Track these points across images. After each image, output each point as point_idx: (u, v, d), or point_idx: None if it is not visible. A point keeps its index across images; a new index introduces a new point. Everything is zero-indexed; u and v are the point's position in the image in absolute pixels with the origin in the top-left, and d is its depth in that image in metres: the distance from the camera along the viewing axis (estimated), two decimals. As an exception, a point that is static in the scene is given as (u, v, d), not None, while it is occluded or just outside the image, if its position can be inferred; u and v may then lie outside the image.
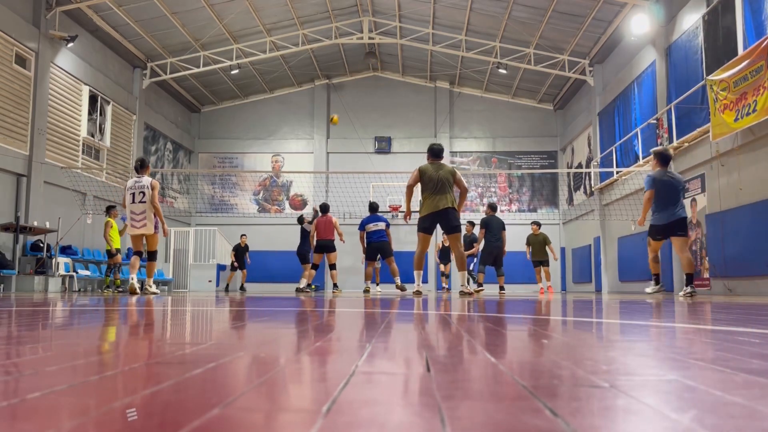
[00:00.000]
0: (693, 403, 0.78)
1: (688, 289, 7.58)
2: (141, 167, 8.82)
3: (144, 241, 8.75)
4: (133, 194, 8.66)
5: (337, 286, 12.87)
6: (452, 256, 10.86)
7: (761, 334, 1.88)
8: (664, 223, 7.73)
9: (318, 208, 13.21)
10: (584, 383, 0.93)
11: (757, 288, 10.58)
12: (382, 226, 11.90)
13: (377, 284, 13.57)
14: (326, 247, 12.50)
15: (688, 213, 13.27)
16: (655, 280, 8.25)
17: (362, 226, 11.98)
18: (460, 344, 1.62)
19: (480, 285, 12.05)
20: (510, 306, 4.45)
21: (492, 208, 12.38)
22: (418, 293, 8.28)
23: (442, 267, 15.92)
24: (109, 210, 13.02)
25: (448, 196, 7.87)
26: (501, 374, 1.03)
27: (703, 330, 2.17)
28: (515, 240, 21.26)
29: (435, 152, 8.17)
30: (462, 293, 8.09)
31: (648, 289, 8.40)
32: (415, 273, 8.32)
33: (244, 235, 17.49)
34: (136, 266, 8.91)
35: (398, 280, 11.28)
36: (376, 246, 11.82)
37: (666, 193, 7.71)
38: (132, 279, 8.73)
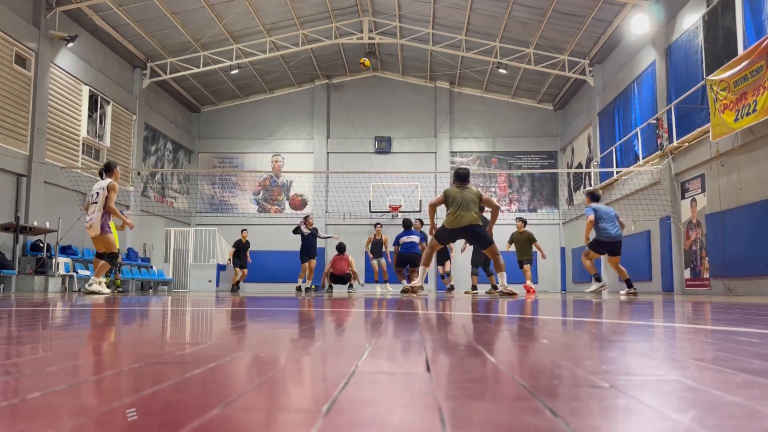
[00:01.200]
0: (693, 403, 0.78)
1: (632, 290, 9.77)
2: (106, 171, 8.84)
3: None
4: (91, 196, 8.76)
5: (352, 287, 14.11)
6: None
7: (761, 334, 1.88)
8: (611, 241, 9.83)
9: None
10: (584, 383, 0.93)
11: (757, 288, 10.58)
12: (415, 238, 12.95)
13: (386, 282, 14.37)
14: (341, 279, 13.98)
15: (687, 213, 13.30)
16: (596, 277, 10.03)
17: (396, 241, 13.19)
18: (460, 344, 1.62)
19: (474, 287, 12.12)
20: (510, 306, 4.45)
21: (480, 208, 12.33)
22: (413, 289, 8.31)
23: (440, 269, 15.74)
24: None
25: (472, 213, 8.07)
26: (501, 374, 1.03)
27: (703, 330, 2.17)
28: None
29: (461, 176, 8.42)
30: (502, 294, 8.22)
31: (590, 288, 9.88)
32: (421, 268, 8.47)
33: (245, 230, 16.95)
34: (100, 267, 8.76)
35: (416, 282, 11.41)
36: (407, 257, 12.80)
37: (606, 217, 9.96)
38: (99, 281, 8.66)
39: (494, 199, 8.56)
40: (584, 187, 20.80)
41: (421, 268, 8.49)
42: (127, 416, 0.67)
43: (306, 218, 14.71)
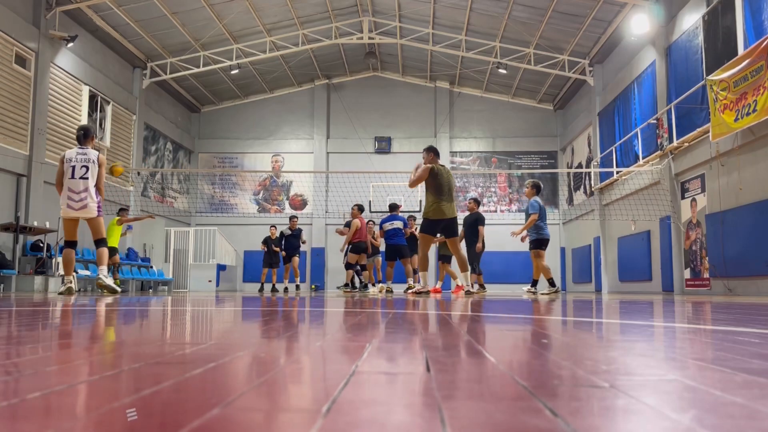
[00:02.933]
0: (693, 403, 0.78)
1: (533, 290, 9.96)
2: (85, 137, 7.31)
3: (85, 229, 7.56)
4: (74, 168, 7.13)
5: (367, 287, 13.27)
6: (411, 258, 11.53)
7: (761, 334, 1.88)
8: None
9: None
10: (584, 383, 0.93)
11: (757, 288, 10.58)
12: (398, 224, 11.87)
13: (374, 284, 13.53)
14: (364, 248, 12.95)
15: (687, 213, 13.30)
16: (551, 282, 9.91)
17: (380, 226, 12.26)
18: (460, 344, 1.62)
19: (482, 286, 11.84)
20: (510, 306, 4.45)
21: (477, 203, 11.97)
22: (419, 293, 8.19)
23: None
24: (121, 212, 13.11)
25: (454, 205, 8.11)
26: (501, 374, 1.03)
27: (703, 330, 2.17)
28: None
29: (439, 153, 8.45)
30: (468, 293, 8.11)
31: (544, 291, 9.71)
32: (421, 274, 8.33)
33: (274, 226, 15.80)
34: (73, 261, 7.52)
35: (411, 281, 10.82)
36: (394, 247, 11.86)
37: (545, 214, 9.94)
38: (70, 279, 7.45)
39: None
40: (584, 187, 20.80)
41: (420, 273, 8.30)
42: (127, 416, 0.67)
43: (291, 219, 14.75)
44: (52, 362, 1.18)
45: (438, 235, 8.43)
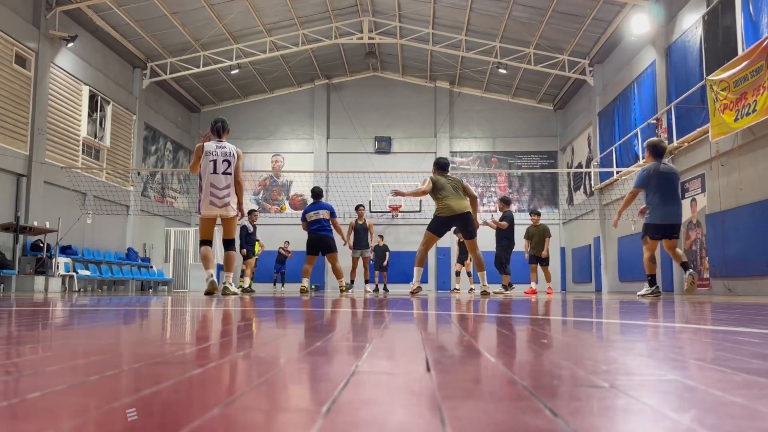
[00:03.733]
0: (693, 403, 0.78)
1: (690, 272, 7.39)
2: (224, 129, 6.89)
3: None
4: (215, 162, 6.65)
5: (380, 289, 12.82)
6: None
7: (761, 334, 1.88)
8: (666, 223, 7.48)
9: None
10: (584, 383, 0.93)
11: (757, 288, 10.58)
12: (323, 214, 10.10)
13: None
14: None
15: (687, 213, 13.29)
16: (651, 281, 7.81)
17: (303, 216, 10.37)
18: (460, 344, 1.62)
19: (506, 286, 11.63)
20: (509, 306, 4.45)
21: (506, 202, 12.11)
22: (415, 291, 8.07)
23: (458, 266, 15.20)
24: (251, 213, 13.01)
25: (464, 200, 7.95)
26: (501, 374, 1.03)
27: (703, 330, 2.17)
28: (515, 240, 21.24)
29: (443, 166, 8.29)
30: (484, 293, 8.07)
31: (640, 292, 7.84)
32: (415, 269, 8.06)
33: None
34: (211, 257, 6.89)
35: (342, 283, 10.12)
36: (315, 239, 10.01)
37: (663, 187, 7.48)
38: (211, 273, 6.81)
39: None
40: (584, 187, 20.81)
41: (415, 269, 8.07)
42: (127, 416, 0.67)
43: (251, 213, 13.19)
44: (52, 362, 1.18)
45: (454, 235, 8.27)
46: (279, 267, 20.32)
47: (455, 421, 0.66)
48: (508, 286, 11.62)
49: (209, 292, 6.65)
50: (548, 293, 11.69)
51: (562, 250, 23.09)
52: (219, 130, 6.86)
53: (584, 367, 1.10)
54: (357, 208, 13.21)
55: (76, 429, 0.62)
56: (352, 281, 13.38)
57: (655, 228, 7.58)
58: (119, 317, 2.92)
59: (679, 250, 7.84)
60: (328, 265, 22.32)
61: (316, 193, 10.52)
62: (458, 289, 14.64)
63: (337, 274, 10.06)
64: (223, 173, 6.65)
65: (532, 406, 0.74)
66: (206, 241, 6.90)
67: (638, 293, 7.93)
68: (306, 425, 0.64)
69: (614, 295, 11.31)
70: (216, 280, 6.87)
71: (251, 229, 13.16)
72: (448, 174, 8.26)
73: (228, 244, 6.99)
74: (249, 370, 1.09)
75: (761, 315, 3.11)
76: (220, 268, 19.85)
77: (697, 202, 12.88)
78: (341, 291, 10.20)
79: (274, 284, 20.70)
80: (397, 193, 8.13)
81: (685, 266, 7.54)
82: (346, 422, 0.66)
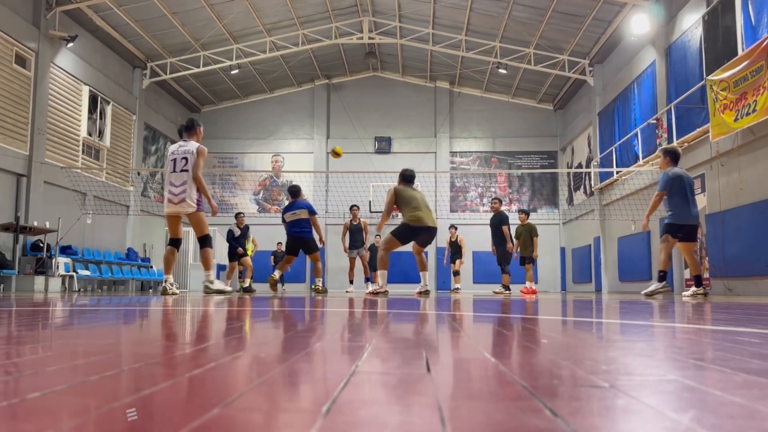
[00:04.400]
0: (693, 403, 0.78)
1: (701, 290, 7.82)
2: (187, 129, 7.08)
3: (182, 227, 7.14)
4: (174, 161, 6.88)
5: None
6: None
7: (761, 334, 1.88)
8: (689, 223, 7.84)
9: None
10: (584, 383, 0.93)
11: (757, 288, 10.58)
12: (301, 214, 9.93)
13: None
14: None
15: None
16: (661, 277, 7.90)
17: (282, 218, 10.30)
18: (460, 344, 1.62)
19: (507, 287, 11.69)
20: (509, 306, 4.45)
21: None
22: (378, 293, 7.94)
23: (453, 266, 15.22)
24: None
25: (432, 214, 8.12)
26: (501, 374, 1.03)
27: (703, 330, 2.17)
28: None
29: (408, 178, 8.34)
30: (424, 292, 8.22)
31: (648, 289, 7.85)
32: (379, 272, 8.11)
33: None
34: (173, 260, 7.02)
35: (319, 283, 10.13)
36: (295, 240, 9.87)
37: (685, 190, 7.84)
38: (168, 278, 7.03)
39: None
40: (584, 187, 20.82)
41: (379, 272, 8.07)
42: (127, 416, 0.67)
43: (238, 216, 13.16)
44: (52, 362, 1.18)
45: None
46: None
47: (455, 421, 0.66)
48: (507, 287, 11.66)
49: (163, 294, 6.94)
50: (528, 293, 11.32)
51: (562, 250, 23.09)
52: (180, 132, 7.12)
53: (584, 367, 1.10)
54: (351, 208, 13.21)
55: (76, 429, 0.62)
56: (351, 281, 13.45)
57: (679, 228, 7.88)
58: (119, 317, 2.92)
59: (696, 260, 8.08)
60: (329, 266, 22.36)
61: (293, 191, 10.38)
62: (458, 289, 14.63)
63: (317, 273, 10.08)
64: (181, 170, 6.79)
65: (532, 406, 0.74)
66: (174, 241, 7.02)
67: (645, 291, 7.95)
68: (306, 425, 0.64)
69: (614, 295, 11.31)
70: (170, 285, 7.05)
71: (237, 232, 13.11)
72: (414, 186, 8.34)
73: (201, 242, 7.06)
74: (249, 370, 1.09)
75: (761, 315, 3.11)
76: (221, 268, 19.97)
77: (697, 202, 12.88)
78: (317, 291, 10.16)
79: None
80: (379, 228, 8.34)
81: (697, 280, 7.90)
82: (346, 422, 0.66)
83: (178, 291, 7.30)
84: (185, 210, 6.85)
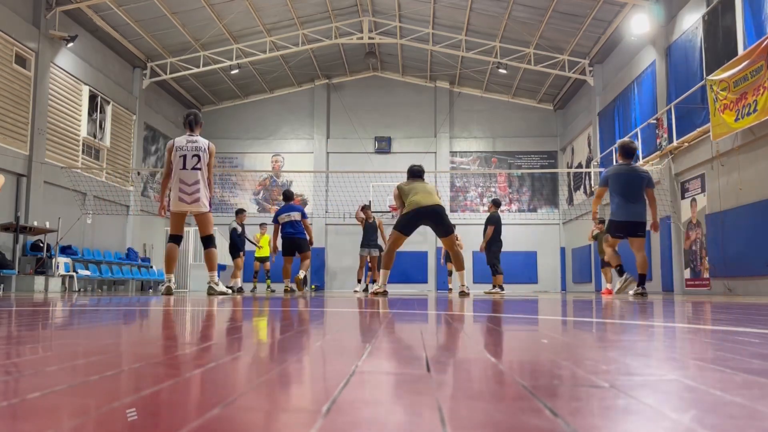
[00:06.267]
0: (693, 403, 0.78)
1: (639, 289, 7.52)
2: (196, 122, 6.78)
3: (190, 224, 7.08)
4: (185, 157, 6.57)
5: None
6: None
7: (761, 334, 1.88)
8: (623, 221, 7.62)
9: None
10: (584, 383, 0.93)
11: (757, 288, 10.58)
12: (295, 216, 10.61)
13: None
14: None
15: (687, 213, 13.28)
16: (619, 271, 7.92)
17: (275, 219, 10.80)
18: (460, 344, 1.62)
19: (501, 287, 11.71)
20: (510, 306, 4.45)
21: (496, 204, 12.20)
22: (376, 294, 7.65)
23: (449, 265, 15.20)
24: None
25: (434, 196, 7.60)
26: (501, 374, 1.03)
27: (703, 330, 2.17)
28: (516, 239, 21.28)
29: (415, 173, 8.04)
30: (462, 293, 7.92)
31: (617, 287, 7.86)
32: (382, 272, 7.74)
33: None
34: (175, 258, 6.85)
35: (302, 274, 10.54)
36: (290, 241, 10.61)
37: (623, 188, 7.60)
38: (170, 278, 6.89)
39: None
40: (584, 187, 20.82)
41: (381, 271, 7.77)
42: (127, 416, 0.67)
43: (240, 212, 13.27)
44: (52, 362, 1.18)
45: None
46: None
47: (455, 421, 0.66)
48: (500, 287, 11.72)
49: (163, 293, 6.75)
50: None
51: (562, 250, 23.08)
52: (191, 123, 6.75)
53: (584, 367, 1.10)
54: (363, 209, 12.92)
55: (76, 429, 0.62)
56: (359, 280, 13.10)
57: (616, 226, 7.69)
58: (119, 317, 2.92)
59: (643, 258, 7.77)
60: (329, 266, 22.36)
61: (288, 195, 10.99)
62: (452, 289, 14.66)
63: (304, 267, 10.62)
64: (193, 168, 6.56)
65: (532, 406, 0.74)
66: (175, 237, 6.81)
67: (615, 290, 8.02)
68: (306, 425, 0.64)
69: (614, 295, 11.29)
70: (171, 285, 6.89)
71: (240, 229, 13.13)
72: (421, 179, 8.03)
73: (206, 242, 6.91)
74: (249, 370, 1.09)
75: (761, 315, 3.11)
76: (221, 268, 19.93)
77: (697, 202, 12.89)
78: (296, 283, 10.58)
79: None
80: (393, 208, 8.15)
81: (641, 279, 7.65)
82: (346, 422, 0.66)
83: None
84: (199, 210, 6.69)
